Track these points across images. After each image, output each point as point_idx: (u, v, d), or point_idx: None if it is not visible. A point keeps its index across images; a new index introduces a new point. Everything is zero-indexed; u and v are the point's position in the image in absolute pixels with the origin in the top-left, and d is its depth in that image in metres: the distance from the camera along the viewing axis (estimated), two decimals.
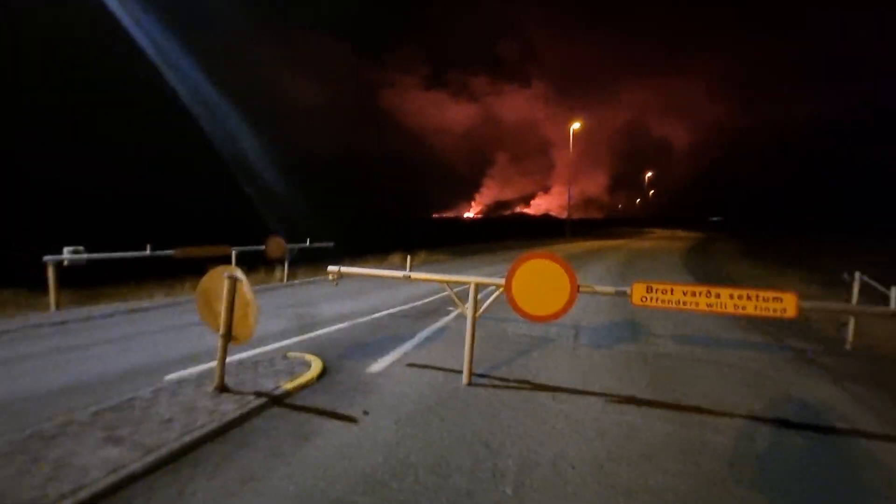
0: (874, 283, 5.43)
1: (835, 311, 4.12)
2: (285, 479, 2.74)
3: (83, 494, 2.41)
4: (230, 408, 3.52)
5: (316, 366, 4.63)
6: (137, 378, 4.46)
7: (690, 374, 4.89)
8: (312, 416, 3.61)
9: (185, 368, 4.71)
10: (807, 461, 3.15)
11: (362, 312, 7.62)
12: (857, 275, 5.63)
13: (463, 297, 4.78)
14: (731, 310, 3.58)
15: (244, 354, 5.11)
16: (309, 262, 13.97)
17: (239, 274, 3.78)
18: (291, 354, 5.07)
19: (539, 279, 4.03)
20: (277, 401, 3.81)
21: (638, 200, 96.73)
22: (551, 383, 4.48)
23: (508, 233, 39.53)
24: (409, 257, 5.18)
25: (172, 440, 2.99)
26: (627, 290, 3.85)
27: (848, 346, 5.94)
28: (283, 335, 6.11)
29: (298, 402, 3.88)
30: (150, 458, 2.77)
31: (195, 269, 9.76)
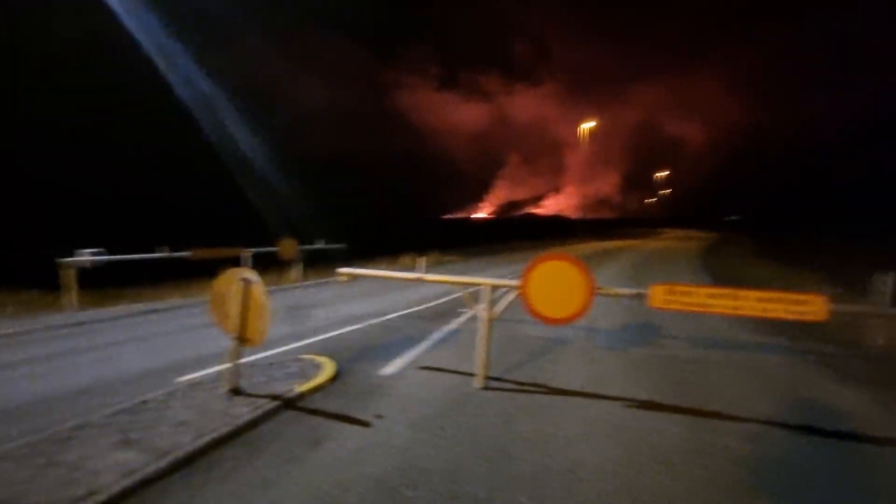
0: None
1: (867, 314, 3.96)
2: (298, 484, 2.70)
3: (97, 499, 2.39)
4: (243, 411, 3.50)
5: (328, 368, 4.60)
6: (152, 379, 4.48)
7: (709, 377, 4.76)
8: (325, 419, 3.58)
9: (198, 370, 4.72)
10: (832, 469, 3.02)
11: (374, 314, 7.59)
12: (894, 275, 5.41)
13: (475, 298, 4.71)
14: (756, 312, 3.45)
15: (257, 356, 5.11)
16: (321, 263, 14.03)
17: (252, 276, 3.76)
18: (304, 357, 5.05)
19: (555, 281, 3.95)
20: (290, 404, 3.78)
21: (651, 200, 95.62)
22: (567, 387, 4.39)
23: (520, 233, 39.31)
24: (423, 259, 5.12)
25: (186, 444, 2.97)
26: (647, 292, 3.74)
27: (874, 351, 5.73)
28: (296, 337, 6.10)
29: (311, 405, 3.84)
30: (164, 462, 2.75)
31: (209, 271, 9.85)
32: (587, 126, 37.33)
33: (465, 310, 7.84)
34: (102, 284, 9.36)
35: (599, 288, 3.92)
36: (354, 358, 5.18)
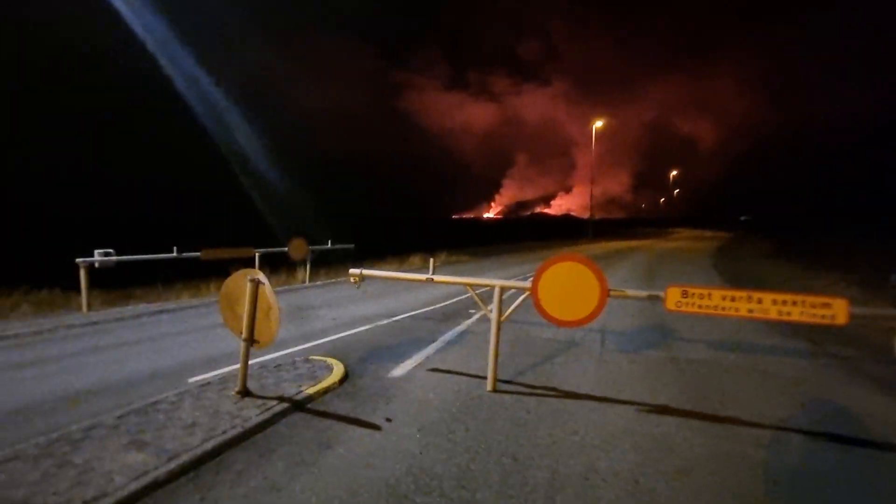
0: None
1: (889, 317, 3.84)
2: (308, 488, 2.67)
3: (107, 501, 2.38)
4: (253, 413, 3.49)
5: (338, 370, 4.58)
6: (163, 380, 4.50)
7: (726, 381, 4.66)
8: (334, 422, 3.55)
9: (208, 371, 4.72)
10: (856, 478, 2.92)
11: (383, 315, 7.57)
12: None
13: (484, 298, 4.66)
14: (774, 316, 3.36)
15: (267, 357, 5.10)
16: (330, 263, 14.07)
17: (261, 277, 3.75)
18: (313, 358, 5.04)
19: (567, 283, 3.88)
20: (299, 406, 3.76)
21: (662, 200, 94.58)
22: (579, 391, 4.32)
23: (529, 233, 39.15)
24: (431, 260, 5.08)
25: (195, 446, 2.96)
26: (661, 294, 3.66)
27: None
28: (305, 338, 6.10)
29: (320, 407, 3.82)
30: (173, 465, 2.74)
31: (220, 271, 9.92)
32: (597, 125, 37.01)
33: (474, 311, 7.79)
34: (115, 284, 9.46)
35: (613, 290, 3.85)
36: (364, 359, 5.15)
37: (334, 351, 5.43)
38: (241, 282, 3.81)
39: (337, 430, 3.43)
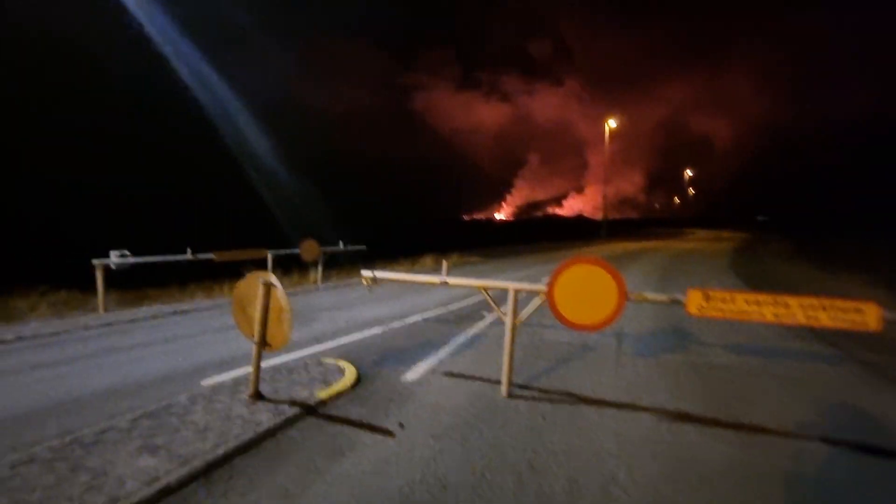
0: None
1: None
2: (320, 496, 2.63)
3: None
4: (265, 417, 3.46)
5: (350, 373, 4.54)
6: (176, 382, 4.50)
7: (748, 388, 4.51)
8: (347, 427, 3.50)
9: (221, 373, 4.72)
10: (891, 492, 2.78)
11: (395, 316, 7.53)
12: None
13: (497, 300, 4.58)
14: (801, 320, 3.23)
15: (279, 360, 5.09)
16: (342, 264, 14.09)
17: (274, 280, 3.72)
18: (325, 361, 5.01)
19: (584, 286, 3.79)
20: (312, 410, 3.72)
21: (677, 199, 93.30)
22: (596, 396, 4.22)
23: (541, 234, 38.88)
24: (445, 262, 5.02)
25: (207, 451, 2.94)
26: (682, 297, 3.55)
27: None
28: (317, 340, 6.08)
29: (333, 411, 3.78)
30: (185, 470, 2.72)
31: (234, 272, 9.99)
32: (610, 124, 36.65)
33: (487, 313, 7.70)
34: (130, 286, 9.58)
35: (631, 293, 3.74)
36: (376, 362, 5.11)
37: (346, 354, 5.40)
38: (253, 284, 3.79)
39: (349, 435, 3.38)
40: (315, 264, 12.22)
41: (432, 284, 4.81)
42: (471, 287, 4.69)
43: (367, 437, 3.37)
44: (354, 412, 3.78)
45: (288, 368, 4.72)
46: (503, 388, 4.19)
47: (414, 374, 4.76)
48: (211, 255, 9.61)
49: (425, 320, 7.34)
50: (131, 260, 8.40)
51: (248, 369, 4.02)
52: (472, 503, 2.57)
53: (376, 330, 6.68)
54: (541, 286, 4.10)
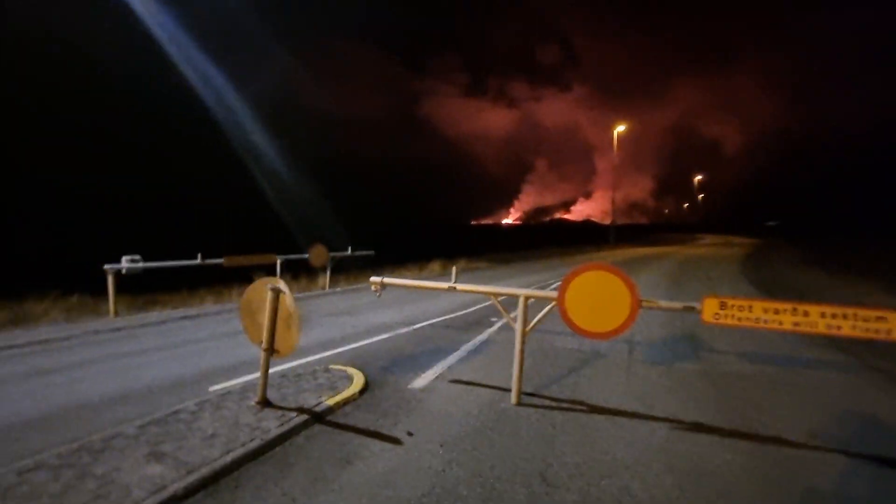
0: None
1: None
2: None
3: None
4: (272, 424, 3.42)
5: (358, 380, 4.50)
6: (184, 387, 4.49)
7: (764, 397, 4.40)
8: (355, 435, 3.46)
9: (229, 379, 4.69)
10: None
11: (403, 322, 7.49)
12: None
13: (506, 306, 4.52)
14: (821, 330, 3.13)
15: (287, 366, 5.06)
16: (350, 269, 14.10)
17: (282, 286, 3.70)
18: (333, 367, 4.97)
19: (596, 292, 3.72)
20: (319, 417, 3.68)
21: (686, 205, 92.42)
22: (608, 405, 4.13)
23: (549, 239, 38.70)
24: (454, 268, 4.97)
25: (214, 459, 2.90)
26: (697, 305, 3.47)
27: None
28: (325, 346, 6.05)
29: (340, 419, 3.73)
30: (192, 479, 2.68)
31: (243, 277, 10.03)
32: (619, 130, 36.48)
33: (496, 319, 7.64)
34: (141, 290, 9.63)
35: (644, 301, 3.67)
36: (384, 369, 5.06)
37: (354, 360, 5.36)
38: (261, 290, 3.77)
39: (357, 443, 3.33)
40: (323, 269, 12.23)
41: (441, 290, 4.76)
42: (480, 293, 4.64)
43: (375, 445, 3.32)
44: (362, 420, 3.73)
45: (296, 374, 4.69)
46: (513, 396, 4.12)
47: (422, 380, 4.71)
48: (220, 261, 9.66)
49: (433, 326, 7.29)
50: (142, 265, 8.45)
51: (256, 376, 3.99)
52: None
53: (384, 336, 6.63)
54: (552, 293, 4.04)
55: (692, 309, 3.51)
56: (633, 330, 6.86)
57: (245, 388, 4.25)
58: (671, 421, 3.81)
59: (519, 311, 4.12)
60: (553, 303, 3.97)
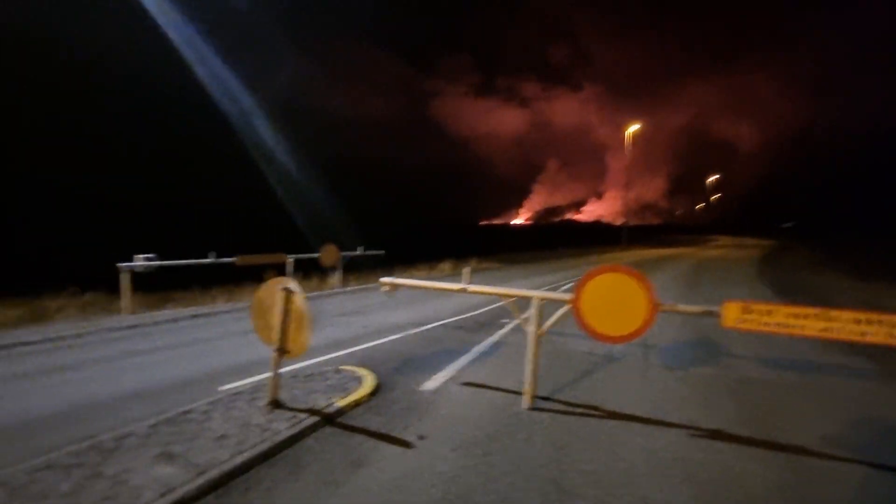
0: None
1: None
2: None
3: None
4: (283, 426, 3.39)
5: (369, 381, 4.46)
6: (195, 387, 4.49)
7: (786, 405, 4.26)
8: (366, 438, 3.41)
9: (240, 379, 4.69)
10: None
11: (414, 323, 7.44)
12: None
13: (518, 308, 4.44)
14: (851, 336, 3.01)
15: (297, 365, 5.04)
16: (361, 269, 14.12)
17: (294, 286, 3.67)
18: (344, 368, 4.94)
19: (612, 295, 3.63)
20: (330, 419, 3.64)
21: (700, 206, 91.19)
22: (623, 410, 4.03)
23: (559, 240, 38.43)
24: (467, 269, 4.90)
25: (224, 461, 2.88)
26: (718, 309, 3.36)
27: None
28: (336, 346, 6.02)
29: (351, 421, 3.69)
30: (202, 480, 2.66)
31: (255, 276, 10.08)
32: (631, 129, 36.10)
33: (507, 321, 7.55)
34: (155, 288, 9.72)
35: (662, 304, 3.57)
36: (395, 370, 5.02)
37: (365, 361, 5.32)
38: (273, 290, 3.74)
39: (368, 446, 3.28)
40: (334, 269, 12.25)
41: (452, 291, 4.70)
42: (493, 295, 4.57)
43: (386, 448, 3.27)
44: (373, 422, 3.68)
45: (306, 375, 4.67)
46: (526, 400, 4.05)
47: (433, 382, 4.65)
48: (232, 259, 9.72)
49: (444, 327, 7.23)
50: (156, 263, 8.52)
51: (267, 375, 3.97)
52: None
53: (395, 336, 6.59)
54: (566, 296, 3.96)
55: (713, 313, 3.40)
56: (647, 333, 6.72)
57: (256, 388, 4.23)
58: (689, 428, 3.70)
59: (533, 314, 4.05)
60: (568, 305, 3.89)
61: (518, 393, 4.27)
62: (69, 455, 2.93)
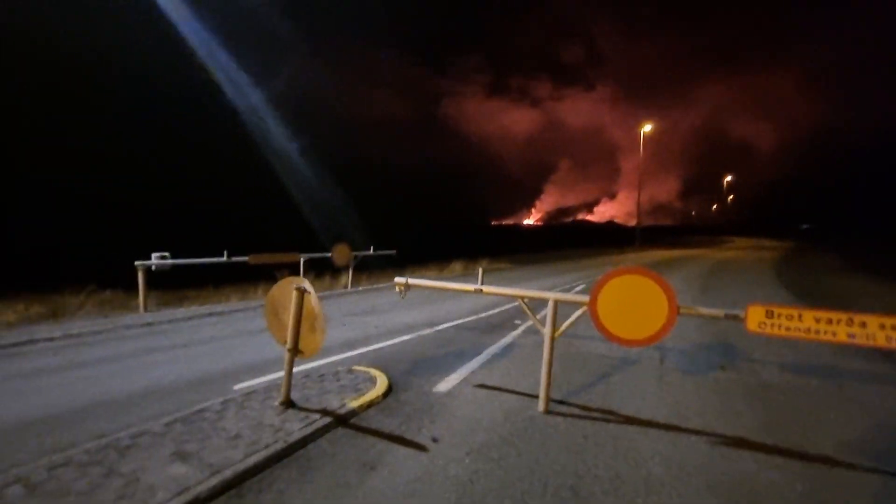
0: None
1: None
2: None
3: None
4: (296, 426, 3.38)
5: (381, 382, 4.43)
6: (210, 385, 4.51)
7: (810, 412, 4.13)
8: (378, 440, 3.38)
9: (253, 378, 4.69)
10: None
11: (426, 323, 7.41)
12: None
13: (531, 308, 4.38)
14: (879, 342, 2.90)
15: (310, 365, 5.04)
16: (372, 269, 14.14)
17: (307, 286, 3.66)
18: (356, 368, 4.92)
19: (630, 297, 3.55)
20: (342, 420, 3.62)
21: (714, 206, 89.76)
22: (640, 415, 3.95)
23: (571, 240, 38.15)
24: (480, 270, 4.85)
25: (238, 461, 2.87)
26: (741, 313, 3.27)
27: None
28: (349, 346, 6.02)
29: (364, 422, 3.67)
30: (216, 480, 2.65)
31: (267, 274, 10.15)
32: (644, 130, 35.67)
33: (520, 322, 7.48)
34: (169, 287, 9.85)
35: (683, 307, 3.48)
36: (407, 371, 4.99)
37: (377, 361, 5.30)
38: (286, 290, 3.73)
39: (381, 449, 3.25)
40: (346, 268, 12.28)
41: (467, 292, 4.65)
42: (508, 296, 4.51)
43: (399, 451, 3.23)
44: (386, 424, 3.65)
45: (319, 375, 4.66)
46: (541, 404, 3.98)
47: (446, 384, 4.61)
48: (245, 258, 9.79)
49: (457, 328, 7.18)
50: (170, 262, 8.62)
51: (280, 375, 3.96)
52: None
53: (407, 336, 6.57)
54: (583, 297, 3.89)
55: (735, 317, 3.31)
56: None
57: (269, 388, 4.23)
58: (709, 434, 3.61)
59: (548, 316, 3.98)
60: (584, 307, 3.82)
61: (532, 396, 4.21)
62: (86, 453, 2.95)
